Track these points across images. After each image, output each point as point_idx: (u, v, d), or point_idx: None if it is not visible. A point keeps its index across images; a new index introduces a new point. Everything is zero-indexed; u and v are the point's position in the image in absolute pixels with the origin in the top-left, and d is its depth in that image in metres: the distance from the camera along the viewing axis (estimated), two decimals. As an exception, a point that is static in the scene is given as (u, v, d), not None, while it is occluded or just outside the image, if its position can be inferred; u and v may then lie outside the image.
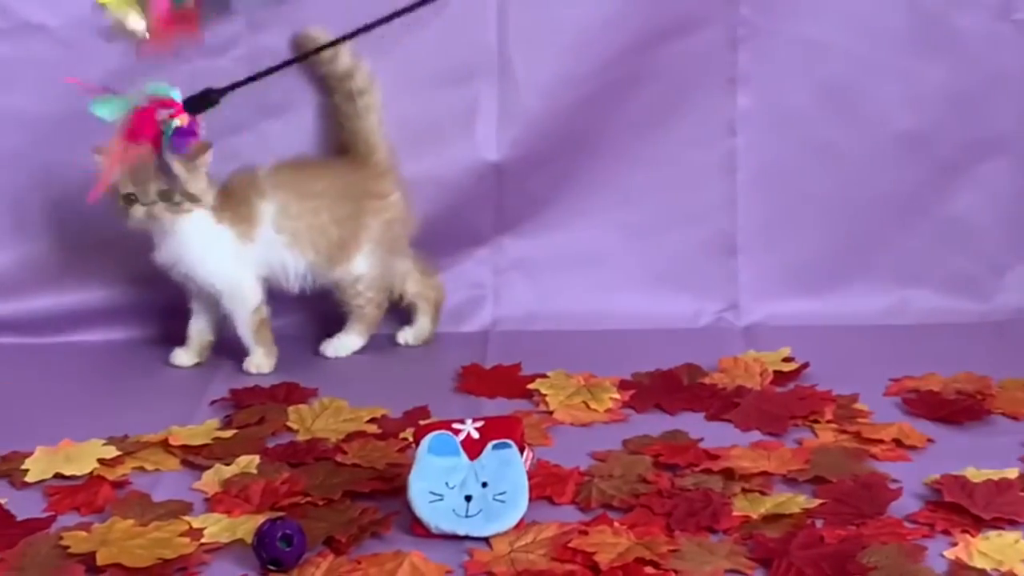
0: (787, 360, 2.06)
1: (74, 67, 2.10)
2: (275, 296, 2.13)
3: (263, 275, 2.09)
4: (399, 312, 2.20)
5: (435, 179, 2.21)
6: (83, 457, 1.78)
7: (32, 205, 2.16)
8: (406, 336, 2.20)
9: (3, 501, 1.69)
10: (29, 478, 1.74)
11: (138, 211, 1.98)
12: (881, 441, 1.82)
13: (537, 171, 2.23)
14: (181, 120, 1.74)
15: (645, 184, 2.25)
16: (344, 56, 2.12)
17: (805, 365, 2.05)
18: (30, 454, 1.79)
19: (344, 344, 2.16)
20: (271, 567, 1.53)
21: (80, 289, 2.17)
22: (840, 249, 2.26)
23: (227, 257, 2.05)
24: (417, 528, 1.62)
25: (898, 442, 1.82)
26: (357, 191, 2.13)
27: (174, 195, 1.98)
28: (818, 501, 1.66)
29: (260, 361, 2.08)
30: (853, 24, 2.19)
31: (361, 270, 2.13)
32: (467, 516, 1.61)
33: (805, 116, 2.21)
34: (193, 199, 2.00)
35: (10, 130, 2.14)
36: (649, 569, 1.53)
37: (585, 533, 1.58)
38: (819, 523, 1.62)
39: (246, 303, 2.07)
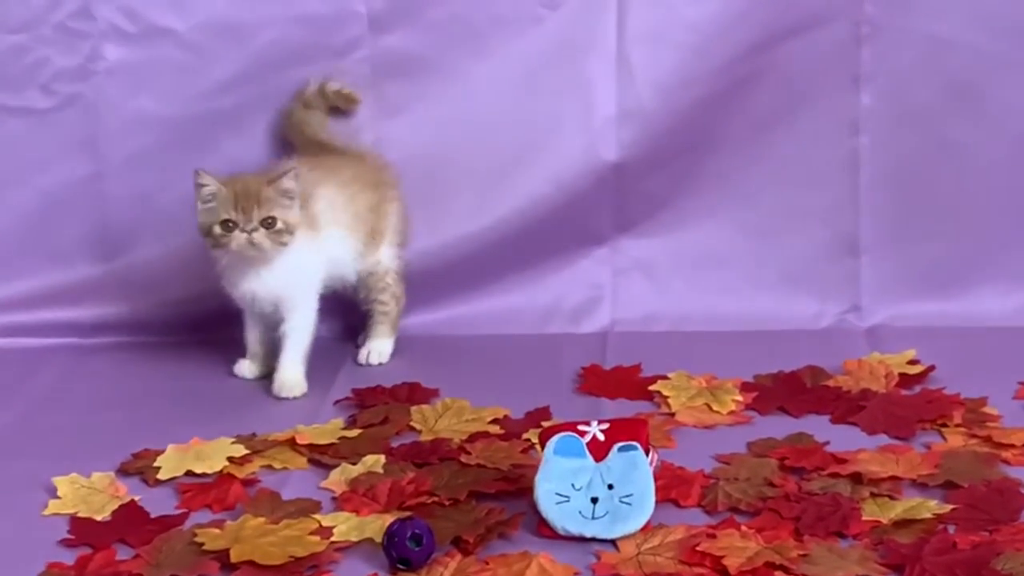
0: (912, 362, 2.03)
1: (201, 70, 2.15)
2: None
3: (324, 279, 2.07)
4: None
5: (553, 179, 2.21)
6: (213, 455, 1.81)
7: (160, 205, 2.20)
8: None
9: (137, 498, 1.72)
10: (161, 475, 1.78)
11: (240, 239, 1.94)
12: (1012, 446, 1.79)
13: (656, 171, 2.22)
14: None
15: (766, 184, 2.23)
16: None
17: (931, 368, 2.02)
18: (161, 452, 1.82)
19: (385, 349, 2.15)
20: (400, 566, 1.55)
21: (206, 289, 2.20)
22: (965, 249, 2.23)
23: (314, 271, 2.03)
24: (544, 529, 1.62)
25: (1030, 447, 1.79)
26: (376, 180, 2.13)
27: (277, 222, 1.95)
28: (950, 506, 1.63)
29: (299, 381, 2.03)
30: (979, 20, 2.15)
31: (388, 262, 2.14)
32: (593, 518, 1.61)
33: (930, 114, 2.18)
34: (291, 229, 1.97)
35: (138, 132, 2.18)
36: (779, 573, 1.52)
37: (713, 536, 1.58)
38: (951, 529, 1.59)
39: (311, 324, 2.04)
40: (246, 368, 2.09)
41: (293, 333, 2.03)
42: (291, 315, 2.03)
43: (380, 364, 2.14)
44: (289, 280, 2.01)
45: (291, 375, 2.02)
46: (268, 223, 1.95)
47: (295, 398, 2.01)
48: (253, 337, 2.08)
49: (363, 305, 2.16)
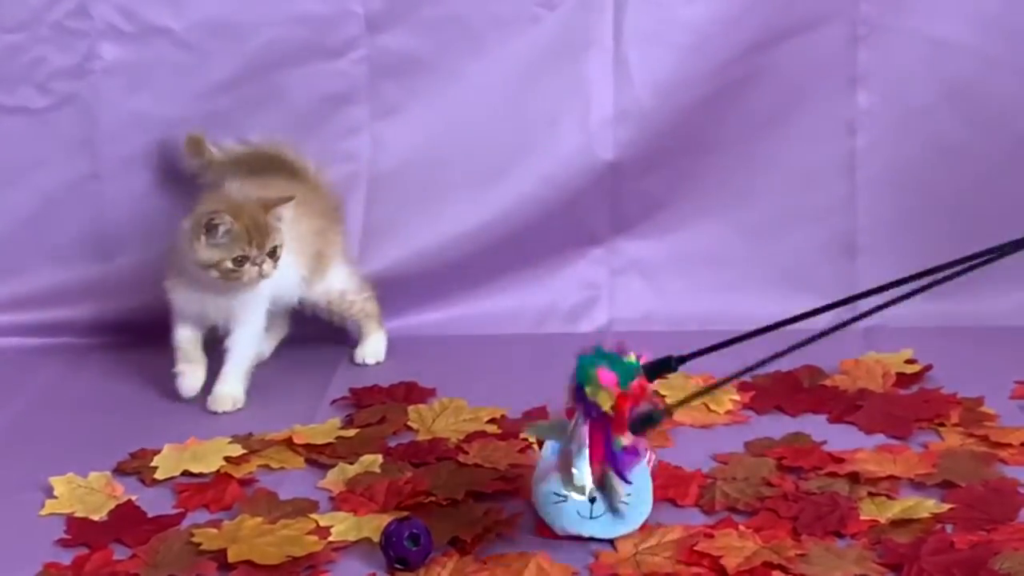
0: (909, 362, 2.03)
1: (198, 70, 2.15)
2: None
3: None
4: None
5: (550, 179, 2.21)
6: (210, 455, 1.81)
7: (156, 206, 2.20)
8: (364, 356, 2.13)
9: (134, 498, 1.72)
10: (158, 475, 1.78)
11: (252, 271, 1.92)
12: (1010, 445, 1.79)
13: (653, 171, 2.22)
14: (627, 439, 1.59)
15: (763, 184, 2.23)
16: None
17: (928, 367, 2.02)
18: (158, 451, 1.82)
19: (379, 347, 2.14)
20: (398, 566, 1.55)
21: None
22: (962, 250, 2.21)
23: (265, 290, 2.00)
24: (542, 529, 1.62)
25: (1027, 446, 1.79)
26: (323, 205, 2.11)
27: (277, 250, 1.94)
28: (947, 506, 1.63)
29: (237, 396, 1.98)
30: (977, 21, 2.15)
31: (342, 285, 2.10)
32: (591, 518, 1.61)
33: (927, 115, 2.18)
34: (280, 255, 1.96)
35: (135, 132, 2.18)
36: (777, 573, 1.52)
37: (711, 536, 1.58)
38: (949, 528, 1.60)
39: (257, 340, 2.02)
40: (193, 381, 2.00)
41: (237, 348, 1.99)
42: (238, 329, 1.99)
43: (378, 363, 2.13)
44: (245, 297, 1.98)
45: (229, 389, 1.98)
46: (272, 252, 1.94)
47: (227, 413, 1.97)
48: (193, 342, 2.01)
49: (342, 323, 2.14)
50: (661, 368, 1.61)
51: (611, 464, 1.55)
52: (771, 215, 2.23)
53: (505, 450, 1.80)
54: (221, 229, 1.91)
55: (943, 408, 1.89)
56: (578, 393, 1.57)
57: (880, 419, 1.88)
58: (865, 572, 1.51)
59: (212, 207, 1.93)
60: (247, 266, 1.92)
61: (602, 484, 1.57)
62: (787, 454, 1.77)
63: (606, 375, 1.55)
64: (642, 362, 1.58)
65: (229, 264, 1.91)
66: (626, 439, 1.57)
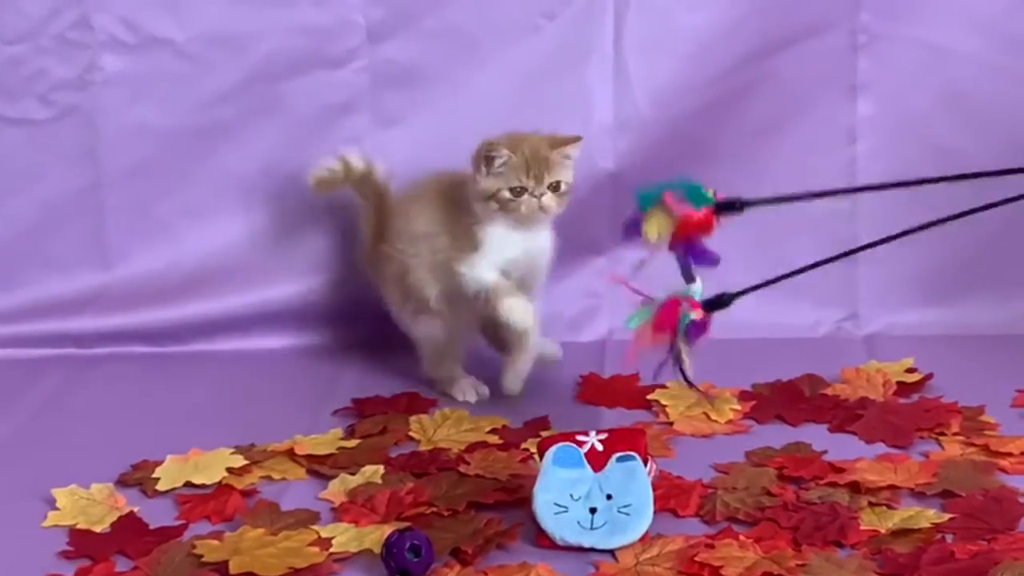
0: (910, 371, 2.04)
1: (199, 81, 2.15)
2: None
3: None
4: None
5: (551, 188, 2.21)
6: (212, 466, 1.81)
7: (157, 217, 2.21)
8: None
9: (136, 509, 1.72)
10: (160, 487, 1.78)
11: (531, 203, 1.93)
12: (1010, 454, 1.79)
13: (654, 179, 2.20)
14: (696, 314, 1.69)
15: (763, 192, 2.21)
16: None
17: (929, 376, 2.02)
18: (160, 463, 1.83)
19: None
20: (399, 577, 1.55)
21: (204, 300, 2.21)
22: (963, 258, 2.23)
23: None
24: (542, 540, 1.62)
25: (1028, 455, 1.79)
26: None
27: (561, 186, 1.95)
28: (948, 516, 1.63)
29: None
30: (977, 29, 2.16)
31: None
32: (592, 528, 1.61)
33: (927, 123, 2.19)
34: (571, 190, 1.98)
35: (137, 142, 2.18)
36: (777, 583, 1.52)
37: (711, 547, 1.58)
38: (949, 538, 1.60)
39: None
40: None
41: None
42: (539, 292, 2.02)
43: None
44: (548, 251, 2.00)
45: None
46: (554, 187, 1.96)
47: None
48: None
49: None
50: (730, 207, 1.66)
51: (681, 336, 1.62)
52: (772, 222, 2.22)
53: (506, 461, 1.80)
54: (497, 161, 1.94)
55: (944, 417, 1.89)
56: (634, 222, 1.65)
57: (881, 428, 1.88)
58: (865, 582, 1.52)
59: (492, 140, 1.95)
60: (525, 197, 1.94)
61: (676, 358, 1.63)
62: (788, 464, 1.77)
63: (672, 197, 1.58)
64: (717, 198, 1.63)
65: (506, 194, 1.94)
66: (696, 313, 1.59)
